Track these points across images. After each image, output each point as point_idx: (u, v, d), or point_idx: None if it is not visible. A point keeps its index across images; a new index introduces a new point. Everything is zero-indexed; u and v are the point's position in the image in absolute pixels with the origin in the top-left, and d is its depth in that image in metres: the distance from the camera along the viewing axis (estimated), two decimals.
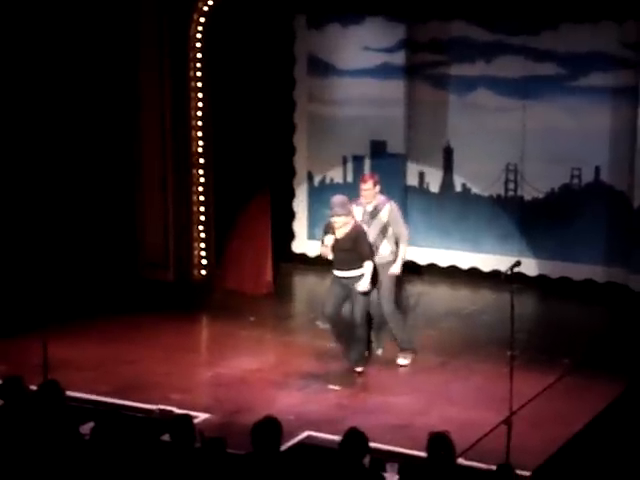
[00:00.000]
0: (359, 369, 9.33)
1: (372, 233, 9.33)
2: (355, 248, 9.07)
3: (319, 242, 9.38)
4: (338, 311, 9.32)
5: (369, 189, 9.37)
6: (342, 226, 9.08)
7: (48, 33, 11.39)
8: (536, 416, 8.30)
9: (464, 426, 8.04)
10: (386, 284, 9.43)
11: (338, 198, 9.14)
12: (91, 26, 11.51)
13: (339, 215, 9.04)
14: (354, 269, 9.12)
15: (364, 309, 9.22)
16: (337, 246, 9.13)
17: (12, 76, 11.18)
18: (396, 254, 9.47)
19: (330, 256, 9.21)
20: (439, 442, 6.08)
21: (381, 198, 9.46)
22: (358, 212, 9.38)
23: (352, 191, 9.75)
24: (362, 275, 9.07)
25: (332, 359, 9.69)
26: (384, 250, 9.41)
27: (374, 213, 9.39)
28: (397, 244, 9.50)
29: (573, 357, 9.68)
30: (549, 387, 8.95)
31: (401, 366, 9.51)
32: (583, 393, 8.88)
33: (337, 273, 9.23)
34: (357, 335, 9.26)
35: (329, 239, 9.13)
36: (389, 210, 9.40)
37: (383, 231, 9.42)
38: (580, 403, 8.63)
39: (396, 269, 9.47)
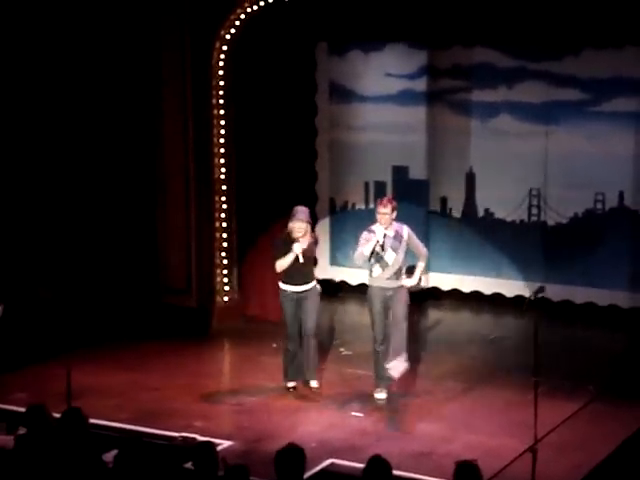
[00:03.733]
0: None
1: (401, 257, 9.25)
2: (313, 257, 9.36)
3: (283, 260, 9.28)
4: (299, 329, 9.40)
5: (387, 213, 9.23)
6: (304, 235, 9.23)
7: (74, 61, 11.51)
8: (561, 443, 8.24)
9: (488, 453, 7.98)
10: (403, 309, 9.32)
11: (301, 207, 9.42)
12: (114, 54, 11.59)
13: (303, 221, 9.24)
14: (309, 282, 9.34)
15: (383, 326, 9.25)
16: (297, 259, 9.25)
17: (36, 109, 11.30)
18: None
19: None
20: (466, 470, 6.03)
21: (396, 224, 9.37)
22: (380, 233, 9.24)
23: (375, 217, 9.71)
24: (314, 288, 9.32)
25: (355, 386, 9.67)
26: (404, 275, 9.39)
27: (398, 237, 9.28)
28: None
29: (598, 383, 9.60)
30: (574, 414, 8.88)
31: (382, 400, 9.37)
32: (608, 420, 8.80)
33: (292, 288, 9.33)
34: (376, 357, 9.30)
35: (299, 247, 9.21)
36: (408, 232, 9.36)
37: (405, 255, 9.35)
38: (605, 430, 8.56)
39: (413, 281, 9.35)
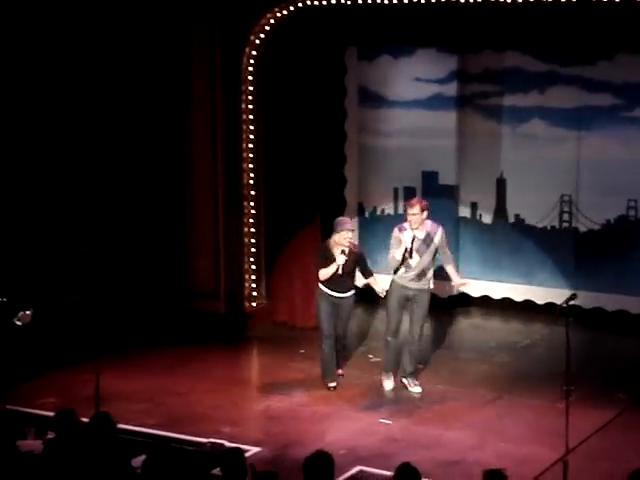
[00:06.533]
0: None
1: (426, 260, 9.35)
2: (355, 269, 9.48)
3: (327, 269, 9.42)
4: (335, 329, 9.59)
5: (416, 214, 9.25)
6: (350, 244, 9.41)
7: (105, 70, 11.56)
8: (592, 452, 8.16)
9: (518, 462, 7.91)
10: (424, 310, 9.47)
11: (343, 217, 9.78)
12: (143, 60, 11.62)
13: (351, 230, 9.46)
14: (350, 290, 9.55)
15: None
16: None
17: (65, 119, 11.37)
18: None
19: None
20: (494, 479, 5.96)
21: (429, 223, 9.41)
22: (408, 238, 9.27)
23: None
24: (351, 296, 9.52)
25: (383, 392, 9.62)
26: (431, 277, 9.49)
27: (428, 240, 9.35)
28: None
29: (629, 392, 9.50)
30: (607, 424, 8.78)
31: (417, 394, 9.54)
32: None
33: (333, 294, 9.50)
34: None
35: (342, 259, 9.35)
36: (441, 235, 9.41)
37: (433, 257, 9.46)
38: (637, 439, 8.47)
39: (458, 280, 9.77)
